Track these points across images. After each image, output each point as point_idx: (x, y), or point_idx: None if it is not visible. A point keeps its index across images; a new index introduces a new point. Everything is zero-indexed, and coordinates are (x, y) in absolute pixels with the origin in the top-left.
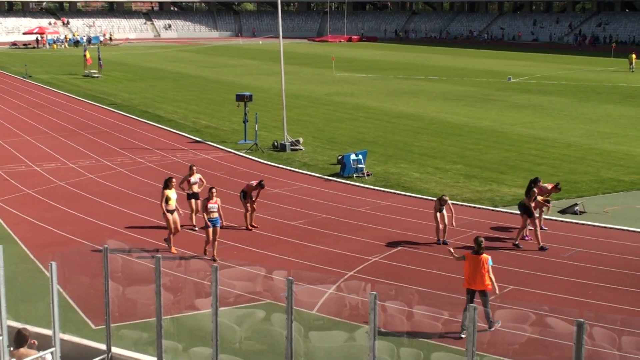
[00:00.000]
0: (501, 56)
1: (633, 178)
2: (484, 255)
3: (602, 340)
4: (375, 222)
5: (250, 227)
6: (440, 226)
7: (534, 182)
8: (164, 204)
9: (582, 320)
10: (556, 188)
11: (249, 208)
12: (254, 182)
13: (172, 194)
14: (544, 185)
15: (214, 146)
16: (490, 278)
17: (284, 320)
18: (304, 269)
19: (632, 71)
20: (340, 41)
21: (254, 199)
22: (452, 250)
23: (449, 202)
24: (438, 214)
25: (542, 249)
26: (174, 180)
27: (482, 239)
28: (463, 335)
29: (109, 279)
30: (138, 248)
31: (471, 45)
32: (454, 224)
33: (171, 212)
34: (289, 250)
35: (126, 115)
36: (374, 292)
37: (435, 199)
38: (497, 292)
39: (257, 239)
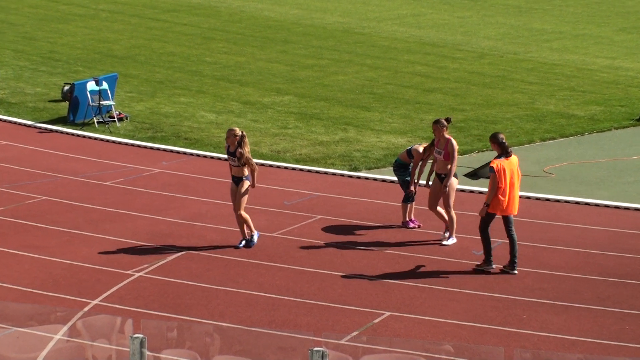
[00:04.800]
0: None
1: (593, 111)
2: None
3: None
4: (136, 205)
5: None
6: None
7: None
8: None
9: None
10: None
11: None
12: None
13: None
14: (416, 147)
15: None
16: None
17: None
18: (8, 298)
19: None
20: None
21: None
22: None
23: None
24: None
25: None
26: None
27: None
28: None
29: None
30: None
31: None
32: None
33: None
34: None
35: None
36: (139, 335)
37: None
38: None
39: None
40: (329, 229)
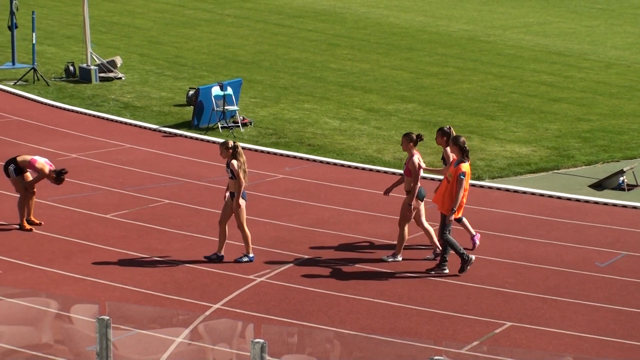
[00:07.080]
0: None
1: None
2: None
3: None
4: (259, 210)
5: (26, 225)
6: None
7: None
8: None
9: None
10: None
11: (25, 192)
12: (46, 163)
13: None
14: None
15: None
16: None
17: None
18: (131, 301)
19: None
20: None
21: (32, 182)
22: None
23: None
24: None
25: None
26: None
27: None
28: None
29: None
30: None
31: None
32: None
33: None
34: (99, 266)
35: None
36: (260, 340)
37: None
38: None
39: (41, 247)
40: None
